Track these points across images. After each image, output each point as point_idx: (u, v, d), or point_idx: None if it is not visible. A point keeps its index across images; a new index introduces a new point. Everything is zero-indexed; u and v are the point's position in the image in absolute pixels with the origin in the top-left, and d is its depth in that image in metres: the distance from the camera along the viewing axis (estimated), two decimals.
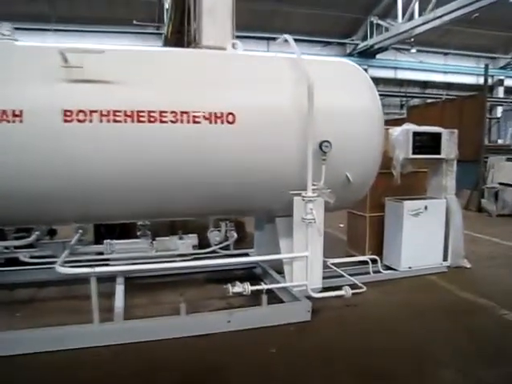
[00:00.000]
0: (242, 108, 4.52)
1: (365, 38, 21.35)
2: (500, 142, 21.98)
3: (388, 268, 6.36)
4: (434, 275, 6.27)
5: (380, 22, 20.17)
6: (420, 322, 4.86)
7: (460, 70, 25.11)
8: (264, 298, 4.70)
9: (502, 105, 26.56)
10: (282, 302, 5.09)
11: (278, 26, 18.26)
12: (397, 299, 5.51)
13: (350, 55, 22.02)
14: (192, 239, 6.12)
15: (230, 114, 4.45)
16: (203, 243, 6.17)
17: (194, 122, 4.37)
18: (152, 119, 4.26)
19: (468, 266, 6.59)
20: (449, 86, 25.23)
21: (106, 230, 7.00)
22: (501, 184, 11.09)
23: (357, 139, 4.92)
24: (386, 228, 6.48)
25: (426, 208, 6.15)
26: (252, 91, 4.67)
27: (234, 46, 5.13)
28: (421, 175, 6.85)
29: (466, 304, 5.39)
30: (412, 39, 20.89)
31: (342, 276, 5.73)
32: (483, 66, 25.24)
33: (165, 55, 4.76)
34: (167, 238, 6.05)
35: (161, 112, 4.28)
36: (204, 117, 4.38)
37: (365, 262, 6.14)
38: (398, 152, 5.97)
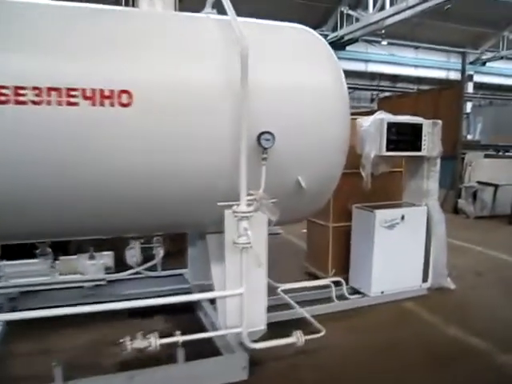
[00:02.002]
0: (142, 84, 2.97)
1: (335, 29, 19.90)
2: (469, 137, 21.13)
3: (355, 292, 4.94)
4: (411, 301, 4.87)
5: (350, 12, 18.75)
6: (395, 380, 3.46)
7: (430, 64, 23.99)
8: (180, 353, 3.21)
9: (471, 100, 25.72)
10: (215, 349, 3.63)
11: (243, 11, 16.69)
12: (365, 340, 4.07)
13: None
14: (106, 258, 4.61)
15: (125, 92, 2.91)
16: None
17: (69, 103, 2.81)
18: (3, 98, 2.70)
19: (452, 286, 5.22)
20: (419, 80, 24.02)
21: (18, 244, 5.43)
22: (479, 183, 9.74)
23: (312, 131, 3.44)
24: (353, 243, 5.04)
25: (402, 218, 4.73)
26: (160, 61, 3.10)
27: (150, 3, 3.62)
28: (396, 176, 5.44)
29: (455, 346, 4.00)
30: (383, 31, 19.63)
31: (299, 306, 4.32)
32: (453, 60, 24.60)
33: (34, 8, 3.14)
34: (74, 256, 4.53)
35: (16, 88, 2.72)
36: (84, 96, 2.83)
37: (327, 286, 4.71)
38: (369, 148, 4.53)
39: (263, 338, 3.59)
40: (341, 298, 4.76)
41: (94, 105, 2.85)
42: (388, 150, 4.50)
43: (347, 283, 5.00)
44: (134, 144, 3.00)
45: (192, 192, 3.32)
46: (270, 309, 4.02)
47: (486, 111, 22.67)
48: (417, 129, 4.67)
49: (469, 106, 25.28)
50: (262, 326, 3.64)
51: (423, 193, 4.92)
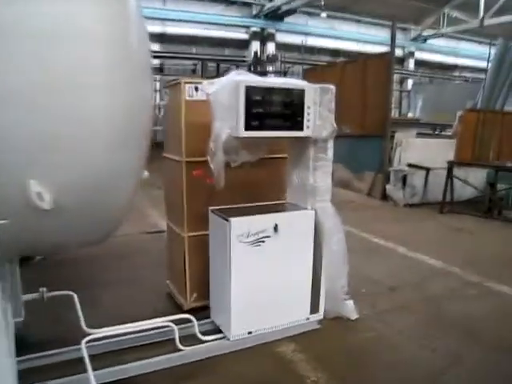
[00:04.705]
0: None
1: None
2: (410, 115, 20.10)
3: (217, 330, 3.37)
4: (293, 342, 3.32)
5: None
6: None
7: (373, 40, 22.54)
8: None
9: (412, 77, 24.73)
10: None
11: None
12: None
13: (256, 17, 18.73)
14: None
15: None
16: None
17: None
18: None
19: (353, 316, 3.72)
20: (361, 55, 22.64)
21: None
22: (410, 166, 8.32)
23: (55, 99, 1.72)
24: (210, 261, 3.44)
25: (275, 229, 3.15)
26: None
27: None
28: (281, 164, 3.84)
29: None
30: (322, 2, 17.99)
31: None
32: (397, 36, 23.33)
33: None
34: None
35: None
36: None
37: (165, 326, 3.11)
38: (219, 125, 2.88)
39: None
40: (194, 339, 3.20)
41: None
42: (248, 128, 2.86)
43: (208, 317, 3.46)
44: None
45: None
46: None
47: (427, 89, 21.71)
48: (296, 97, 3.03)
49: (410, 83, 24.29)
50: None
51: (309, 190, 3.34)
